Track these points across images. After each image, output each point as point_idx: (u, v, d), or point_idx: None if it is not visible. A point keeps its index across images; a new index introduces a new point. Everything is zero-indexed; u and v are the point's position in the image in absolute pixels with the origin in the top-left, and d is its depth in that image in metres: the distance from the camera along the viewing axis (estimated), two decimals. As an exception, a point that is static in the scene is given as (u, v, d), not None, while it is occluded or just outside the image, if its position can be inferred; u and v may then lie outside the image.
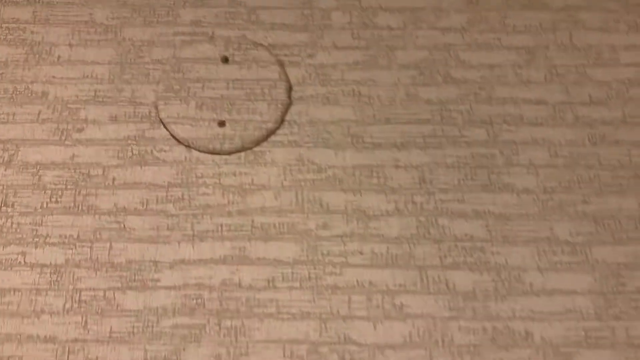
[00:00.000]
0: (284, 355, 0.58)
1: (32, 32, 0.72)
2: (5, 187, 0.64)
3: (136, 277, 0.60)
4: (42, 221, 0.63)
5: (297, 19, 0.72)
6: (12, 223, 0.63)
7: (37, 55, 0.70)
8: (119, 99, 0.68)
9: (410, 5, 0.73)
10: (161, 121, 0.67)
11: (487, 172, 0.65)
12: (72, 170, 0.65)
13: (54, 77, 0.69)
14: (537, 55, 0.71)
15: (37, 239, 0.62)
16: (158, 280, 0.60)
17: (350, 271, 0.61)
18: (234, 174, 0.65)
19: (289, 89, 0.68)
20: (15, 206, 0.63)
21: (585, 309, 0.60)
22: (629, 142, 0.67)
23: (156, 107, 0.67)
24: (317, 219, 0.63)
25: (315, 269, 0.61)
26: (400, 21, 0.72)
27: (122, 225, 0.62)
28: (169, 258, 0.61)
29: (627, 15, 0.73)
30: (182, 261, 0.61)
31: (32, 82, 0.69)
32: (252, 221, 0.63)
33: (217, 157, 0.65)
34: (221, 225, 0.63)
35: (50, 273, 0.60)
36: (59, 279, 0.60)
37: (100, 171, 0.65)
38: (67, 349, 0.58)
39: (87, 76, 0.69)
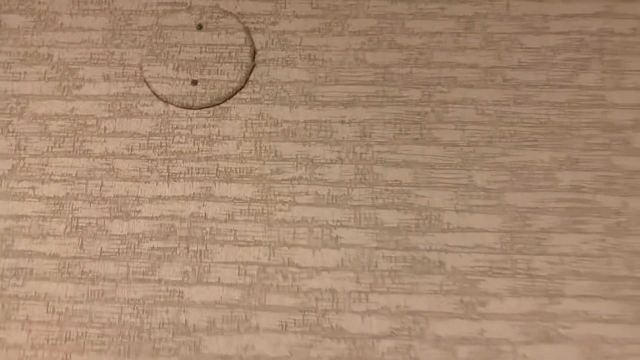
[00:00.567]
0: (239, 274, 0.71)
1: (39, 3, 0.84)
2: (18, 134, 0.78)
3: (122, 209, 0.74)
4: (47, 162, 0.77)
5: (263, -10, 0.82)
6: (24, 163, 0.77)
7: (43, 23, 0.83)
8: (110, 60, 0.81)
9: (364, -23, 0.82)
10: (144, 80, 0.79)
11: (419, 128, 0.76)
12: (72, 121, 0.78)
13: (57, 41, 0.82)
14: (475, 23, 0.80)
15: (44, 177, 0.76)
16: (139, 211, 0.74)
17: (297, 209, 0.73)
18: (204, 126, 0.77)
19: (254, 53, 0.79)
20: (26, 149, 0.77)
21: (493, 244, 0.71)
22: (549, 103, 0.76)
23: (141, 68, 0.79)
24: (272, 165, 0.75)
25: (267, 206, 0.74)
26: (354, -8, 0.82)
27: (111, 167, 0.76)
28: (148, 194, 0.75)
29: (562, -13, 0.80)
30: (159, 197, 0.74)
31: (39, 46, 0.82)
32: (217, 165, 0.75)
33: (190, 112, 0.78)
34: (191, 169, 0.75)
35: (54, 204, 0.75)
36: (60, 208, 0.74)
37: (94, 122, 0.78)
38: (67, 263, 0.72)
39: (85, 41, 0.82)
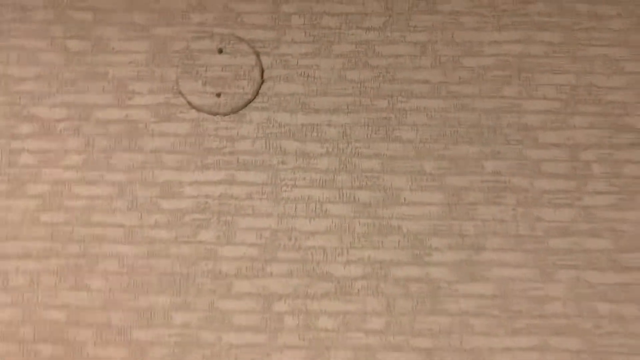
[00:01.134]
0: (256, 237, 1.00)
1: (95, 30, 1.08)
2: (87, 135, 1.04)
3: (169, 190, 1.02)
4: (111, 156, 1.03)
5: (268, 21, 1.07)
6: (94, 157, 1.03)
7: (99, 47, 1.07)
8: (153, 77, 1.06)
9: (345, 11, 1.07)
10: (180, 93, 1.05)
11: (385, 129, 1.03)
12: (127, 124, 1.04)
13: (111, 62, 1.07)
14: (428, 48, 1.06)
15: (109, 167, 1.03)
16: (182, 192, 1.01)
17: (296, 190, 1.01)
18: (226, 128, 1.04)
19: (262, 71, 1.05)
20: (94, 146, 1.04)
21: (436, 214, 1.00)
22: (480, 110, 1.04)
23: (177, 83, 1.05)
24: (278, 158, 1.03)
25: (275, 188, 1.02)
26: (337, 23, 1.07)
27: (159, 159, 1.03)
28: (188, 179, 1.02)
29: (494, 19, 1.06)
30: (196, 182, 1.02)
31: (97, 66, 1.07)
32: (237, 158, 1.03)
33: (215, 117, 1.04)
34: (219, 161, 1.03)
35: (118, 187, 1.02)
36: (123, 190, 1.02)
37: (144, 125, 1.04)
38: (131, 231, 1.00)
39: (132, 62, 1.07)
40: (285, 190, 1.01)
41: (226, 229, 1.00)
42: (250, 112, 1.04)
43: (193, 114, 1.04)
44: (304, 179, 1.02)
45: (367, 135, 1.03)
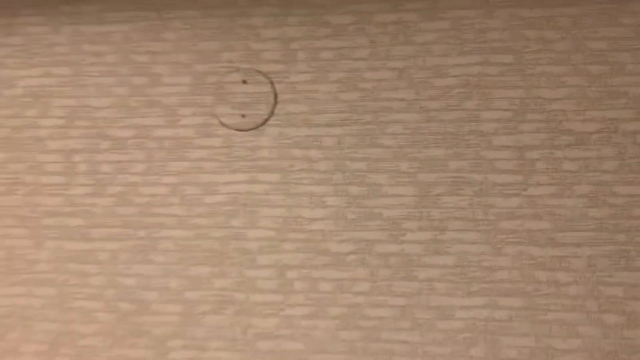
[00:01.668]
0: (273, 223, 1.32)
1: (151, 69, 1.43)
2: (149, 149, 1.40)
3: (208, 189, 1.36)
4: (165, 164, 1.39)
5: (279, 57, 1.38)
6: (152, 165, 1.39)
7: (154, 81, 1.43)
8: (194, 103, 1.40)
9: (338, 45, 1.37)
10: (215, 115, 1.38)
11: (370, 138, 1.33)
12: (177, 140, 1.39)
13: (162, 93, 1.42)
14: (404, 73, 1.34)
15: (164, 172, 1.38)
16: (218, 190, 1.36)
17: (301, 186, 1.33)
18: (250, 141, 1.37)
19: (275, 96, 1.37)
20: (152, 157, 1.39)
21: (409, 203, 1.29)
22: (446, 120, 1.31)
23: (213, 107, 1.39)
24: (289, 162, 1.35)
25: (286, 185, 1.34)
26: (332, 55, 1.37)
27: (201, 166, 1.37)
28: (222, 180, 1.36)
29: (457, 47, 1.33)
30: (228, 182, 1.36)
31: (153, 96, 1.42)
32: (258, 163, 1.35)
33: (241, 133, 1.37)
34: (245, 165, 1.36)
35: (172, 188, 1.37)
36: (175, 190, 1.37)
37: (189, 140, 1.39)
38: (181, 220, 1.36)
39: (178, 92, 1.41)
40: (294, 187, 1.33)
41: (250, 217, 1.34)
42: (267, 128, 1.37)
43: (224, 130, 1.38)
44: (308, 178, 1.33)
45: (356, 143, 1.33)
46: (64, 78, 1.45)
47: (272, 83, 1.37)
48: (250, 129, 1.36)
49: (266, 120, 1.36)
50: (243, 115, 1.36)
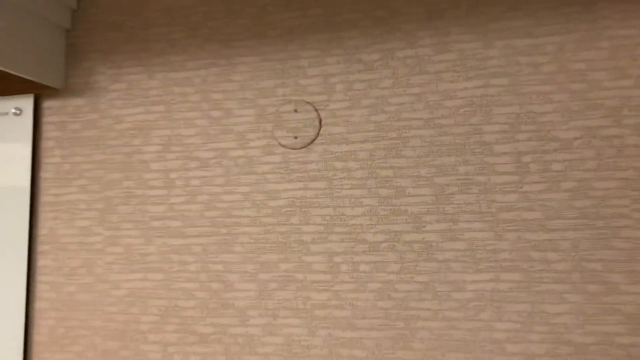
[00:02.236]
0: (322, 220, 1.71)
1: (224, 104, 1.85)
2: (227, 166, 1.83)
3: (271, 195, 1.77)
4: (239, 177, 1.81)
5: (322, 90, 1.76)
6: (231, 178, 1.82)
7: (228, 113, 1.85)
8: (258, 129, 1.81)
9: (366, 78, 1.73)
10: (275, 138, 1.79)
11: (396, 150, 1.68)
12: (247, 159, 1.81)
13: (246, 122, 1.84)
14: (421, 97, 1.68)
15: (238, 182, 1.80)
16: (280, 196, 1.76)
17: (344, 191, 1.71)
18: (302, 157, 1.76)
19: (320, 121, 1.75)
20: (230, 171, 1.82)
21: (427, 202, 1.64)
22: (455, 134, 1.64)
23: (273, 132, 1.79)
24: (330, 171, 1.73)
25: (331, 190, 1.72)
26: (363, 86, 1.73)
27: (266, 178, 1.78)
28: (282, 188, 1.76)
29: (463, 73, 1.65)
30: (286, 189, 1.76)
31: (229, 125, 1.84)
32: (308, 174, 1.75)
33: (294, 151, 1.77)
34: (299, 176, 1.75)
35: (245, 196, 1.79)
36: (247, 197, 1.79)
37: (256, 159, 1.80)
38: (252, 219, 1.78)
39: (247, 121, 1.83)
40: (337, 191, 1.72)
41: (305, 216, 1.73)
42: (314, 146, 1.75)
43: (282, 149, 1.78)
44: (347, 184, 1.71)
45: (384, 155, 1.69)
46: (159, 114, 1.90)
47: (317, 110, 1.75)
48: (301, 148, 1.75)
49: (313, 140, 1.74)
50: (296, 137, 1.75)
